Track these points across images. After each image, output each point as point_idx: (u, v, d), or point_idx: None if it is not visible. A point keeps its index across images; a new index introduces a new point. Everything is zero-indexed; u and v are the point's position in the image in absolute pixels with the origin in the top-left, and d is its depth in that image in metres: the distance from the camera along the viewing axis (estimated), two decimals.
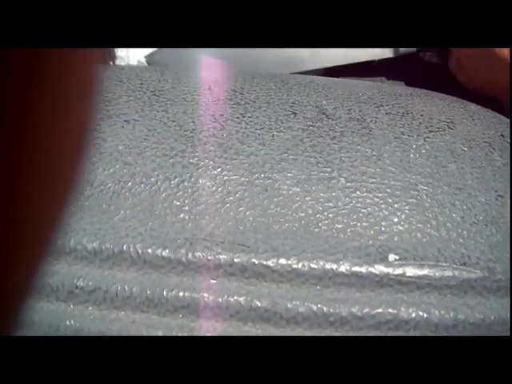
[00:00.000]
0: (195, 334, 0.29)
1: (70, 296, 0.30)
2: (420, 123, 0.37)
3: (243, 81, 0.40)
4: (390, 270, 0.30)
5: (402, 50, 0.50)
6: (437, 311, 0.29)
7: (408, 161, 0.34)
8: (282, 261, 0.30)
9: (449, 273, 0.30)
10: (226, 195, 0.33)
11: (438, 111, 0.39)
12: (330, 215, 0.32)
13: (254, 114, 0.37)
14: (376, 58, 0.50)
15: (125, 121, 0.36)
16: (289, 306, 0.30)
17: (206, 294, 0.30)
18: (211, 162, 0.34)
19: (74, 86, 0.12)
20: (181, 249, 0.31)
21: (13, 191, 0.11)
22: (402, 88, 0.45)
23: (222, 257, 0.30)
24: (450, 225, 0.32)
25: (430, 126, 0.37)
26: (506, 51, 0.41)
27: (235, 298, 0.30)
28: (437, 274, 0.30)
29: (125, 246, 0.31)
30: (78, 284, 0.30)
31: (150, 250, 0.31)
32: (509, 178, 0.34)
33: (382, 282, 0.30)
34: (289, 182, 0.33)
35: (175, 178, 0.33)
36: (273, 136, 0.35)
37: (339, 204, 0.32)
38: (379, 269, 0.30)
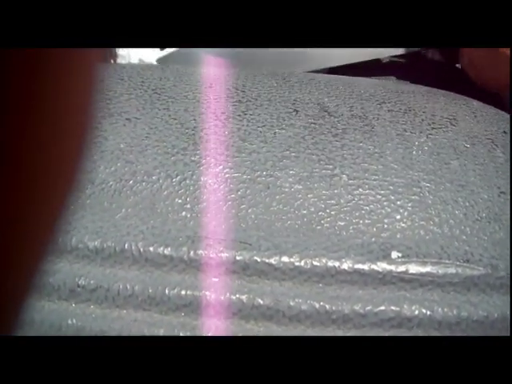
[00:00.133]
0: (197, 332, 0.29)
1: (71, 295, 0.30)
2: (422, 120, 0.37)
3: (245, 78, 0.40)
4: (392, 268, 0.30)
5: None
6: (440, 308, 0.29)
7: (410, 158, 0.34)
8: (285, 258, 0.30)
9: (452, 270, 0.30)
10: (228, 193, 0.32)
11: (440, 108, 0.39)
12: (333, 212, 0.32)
13: (256, 111, 0.37)
14: (380, 56, 0.50)
15: (126, 119, 0.36)
16: (291, 303, 0.30)
17: (208, 292, 0.30)
18: (213, 160, 0.34)
19: (74, 84, 0.12)
20: (183, 247, 0.31)
21: (13, 191, 0.11)
22: (404, 85, 0.45)
23: (224, 255, 0.30)
24: (453, 222, 0.32)
25: (433, 122, 0.37)
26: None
27: (237, 296, 0.30)
28: (440, 272, 0.30)
29: (126, 245, 0.31)
30: (79, 282, 0.30)
31: (151, 248, 0.31)
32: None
33: (385, 279, 0.30)
34: (291, 179, 0.33)
35: (177, 175, 0.33)
36: (275, 133, 0.35)
37: (341, 201, 0.32)
38: (382, 266, 0.30)
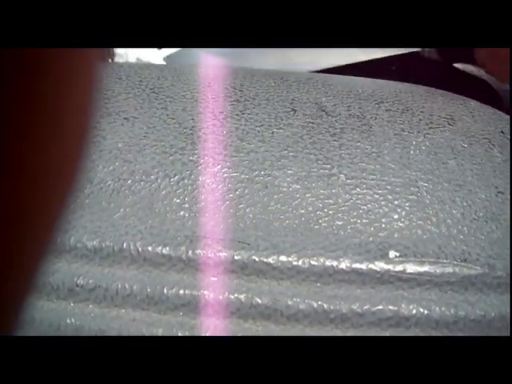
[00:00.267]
0: (196, 331, 0.29)
1: (70, 294, 0.30)
2: (420, 120, 0.37)
3: (242, 78, 0.40)
4: (390, 267, 0.30)
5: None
6: (437, 308, 0.30)
7: (408, 157, 0.34)
8: (283, 258, 0.30)
9: (449, 269, 0.30)
10: (226, 192, 0.32)
11: (438, 108, 0.39)
12: (330, 212, 0.32)
13: (254, 110, 0.37)
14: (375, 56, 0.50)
15: (124, 118, 0.36)
16: (289, 303, 0.30)
17: (206, 292, 0.30)
18: (211, 160, 0.34)
19: (73, 84, 0.12)
20: (181, 246, 0.31)
21: (12, 191, 0.11)
22: (401, 85, 0.45)
23: (223, 254, 0.30)
24: (451, 221, 0.32)
25: (430, 122, 0.37)
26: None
27: (235, 295, 0.30)
28: (437, 271, 0.30)
29: (125, 244, 0.31)
30: (78, 282, 0.30)
31: (150, 248, 0.31)
32: (509, 174, 0.34)
33: (383, 278, 0.30)
34: (289, 179, 0.33)
35: (175, 175, 0.33)
36: (272, 133, 0.35)
37: (339, 201, 0.32)
38: (380, 265, 0.30)
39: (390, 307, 0.29)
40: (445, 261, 0.30)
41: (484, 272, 0.30)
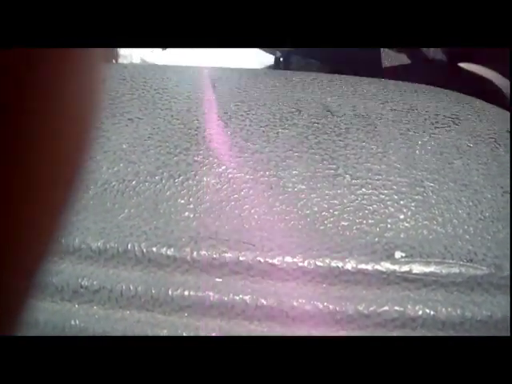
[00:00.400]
0: (200, 332, 0.29)
1: (74, 295, 0.30)
2: (425, 119, 0.37)
3: (247, 78, 0.40)
4: (396, 268, 0.30)
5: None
6: (444, 308, 0.29)
7: (414, 157, 0.34)
8: (288, 259, 0.30)
9: (455, 270, 0.30)
10: (231, 193, 0.32)
11: (443, 107, 0.39)
12: (336, 213, 0.32)
13: (259, 111, 0.37)
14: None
15: (128, 119, 0.36)
16: (295, 304, 0.29)
17: (211, 293, 0.30)
18: (215, 160, 0.34)
19: (76, 85, 0.12)
20: (186, 247, 0.30)
21: (15, 191, 0.11)
22: (406, 84, 0.45)
23: (228, 255, 0.30)
24: (457, 221, 0.32)
25: (436, 122, 0.37)
26: None
27: (241, 296, 0.30)
28: (443, 271, 0.30)
29: (129, 245, 0.31)
30: (82, 283, 0.30)
31: (154, 249, 0.30)
32: None
33: (389, 279, 0.30)
34: (294, 179, 0.33)
35: (179, 176, 0.33)
36: (277, 133, 0.35)
37: (345, 201, 0.32)
38: (385, 266, 0.30)
39: (396, 308, 0.29)
40: (451, 261, 0.30)
41: (490, 272, 0.30)
